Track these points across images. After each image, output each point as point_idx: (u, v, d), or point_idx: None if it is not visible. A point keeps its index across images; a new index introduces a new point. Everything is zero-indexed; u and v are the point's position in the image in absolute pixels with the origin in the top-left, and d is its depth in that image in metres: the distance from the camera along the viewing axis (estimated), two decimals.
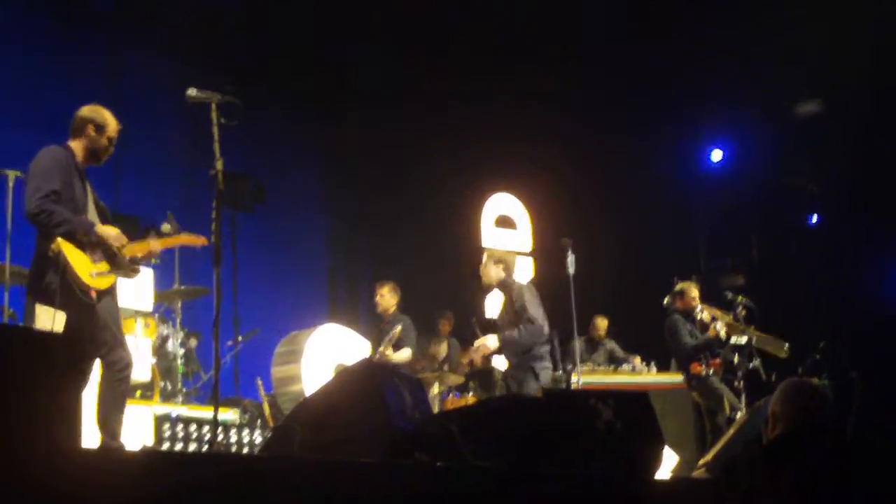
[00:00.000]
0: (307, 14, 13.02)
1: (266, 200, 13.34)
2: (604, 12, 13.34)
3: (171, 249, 10.10)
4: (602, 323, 12.94)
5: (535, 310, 8.84)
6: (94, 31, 12.21)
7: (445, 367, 11.97)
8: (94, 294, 6.09)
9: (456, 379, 11.06)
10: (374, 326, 11.09)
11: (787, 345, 10.30)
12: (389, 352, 10.26)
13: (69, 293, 6.03)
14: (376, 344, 10.41)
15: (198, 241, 7.18)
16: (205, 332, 10.45)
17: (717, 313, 10.20)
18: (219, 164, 6.02)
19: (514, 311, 8.89)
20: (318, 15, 13.07)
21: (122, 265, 6.31)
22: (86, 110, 6.60)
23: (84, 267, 6.09)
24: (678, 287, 10.40)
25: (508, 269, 9.21)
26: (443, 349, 12.32)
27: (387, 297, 10.92)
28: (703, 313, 10.18)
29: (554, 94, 14.17)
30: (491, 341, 8.97)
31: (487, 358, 9.38)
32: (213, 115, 6.16)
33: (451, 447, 5.21)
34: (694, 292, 10.32)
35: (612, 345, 12.87)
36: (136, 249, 6.60)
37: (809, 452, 4.32)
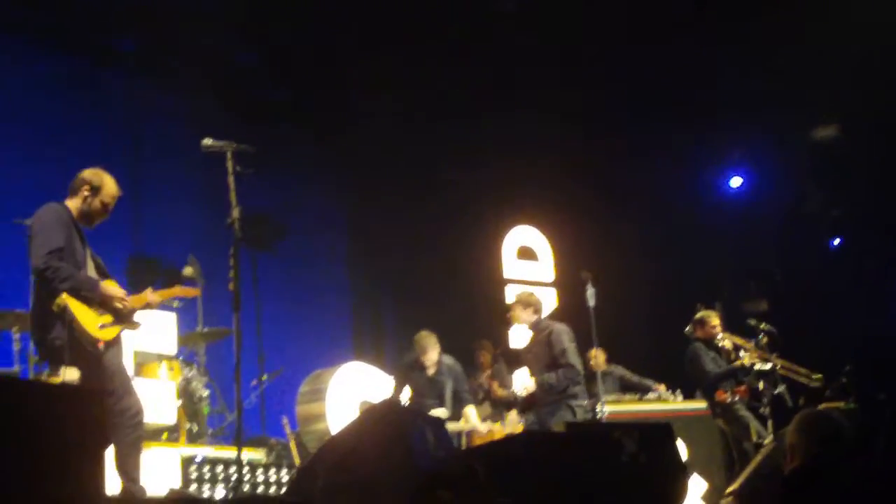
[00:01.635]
0: (323, 48, 13.10)
1: (286, 238, 13.41)
2: (625, 41, 13.35)
3: None
4: (595, 353, 12.87)
5: (574, 354, 9.18)
6: (114, 73, 12.27)
7: (488, 394, 11.94)
8: (101, 346, 6.14)
9: (491, 411, 11.05)
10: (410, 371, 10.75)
11: (818, 375, 10.29)
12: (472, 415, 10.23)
13: (77, 347, 6.10)
14: (418, 393, 10.30)
15: (190, 293, 7.55)
16: (228, 374, 10.48)
17: (739, 341, 10.19)
18: (235, 213, 6.10)
19: (552, 354, 9.07)
20: (334, 50, 13.15)
21: (125, 318, 6.35)
22: (87, 172, 6.69)
23: (90, 320, 6.16)
24: (698, 315, 10.41)
25: (539, 311, 9.43)
26: (484, 380, 12.29)
27: (436, 353, 10.41)
28: (725, 341, 10.18)
29: (575, 125, 14.19)
30: (530, 383, 9.36)
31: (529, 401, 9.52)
32: (229, 165, 6.20)
33: (474, 485, 5.21)
34: (714, 321, 10.32)
35: (620, 370, 12.78)
36: (135, 302, 6.61)
37: (827, 484, 4.31)
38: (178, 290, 7.59)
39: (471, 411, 10.22)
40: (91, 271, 6.51)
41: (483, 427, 10.14)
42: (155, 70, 12.39)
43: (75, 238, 6.44)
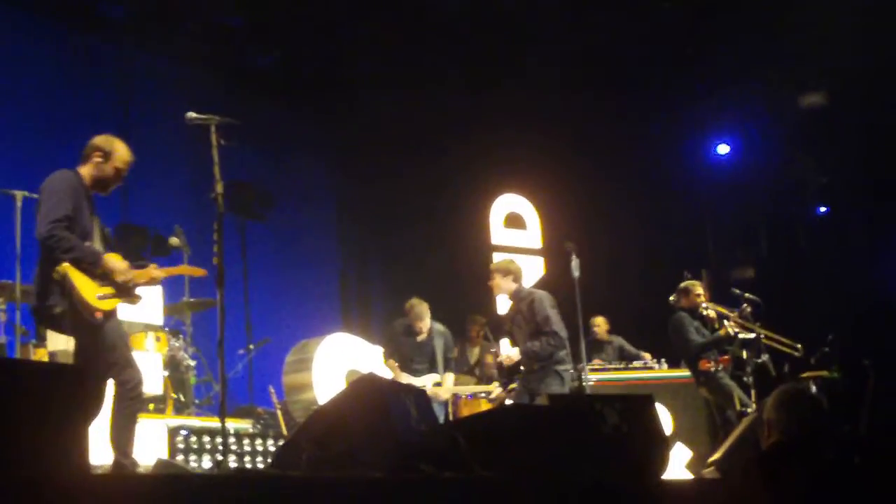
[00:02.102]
0: (311, 18, 13.06)
1: (274, 206, 13.42)
2: (611, 6, 13.32)
3: (179, 261, 10.23)
4: (601, 321, 12.95)
5: (557, 321, 9.17)
6: (103, 40, 12.24)
7: (477, 371, 12.03)
8: (99, 315, 6.11)
9: (470, 389, 11.12)
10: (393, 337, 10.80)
11: (799, 345, 10.36)
12: (450, 381, 10.33)
13: (76, 315, 6.09)
14: (408, 358, 10.38)
15: (197, 272, 7.30)
16: (215, 345, 10.51)
17: (723, 310, 10.24)
18: (219, 187, 6.07)
19: (535, 322, 9.10)
20: (322, 19, 13.11)
21: (126, 291, 6.34)
22: (98, 138, 6.57)
23: (90, 289, 6.12)
24: (683, 285, 10.44)
25: (518, 279, 9.42)
26: (475, 353, 12.36)
27: (428, 319, 10.53)
28: (709, 311, 10.23)
29: (560, 92, 14.17)
30: (514, 353, 9.30)
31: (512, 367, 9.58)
32: (213, 138, 6.19)
33: (457, 458, 5.25)
34: (699, 290, 10.36)
35: (619, 341, 12.89)
36: (138, 276, 6.58)
37: (804, 461, 4.35)
38: (184, 269, 7.64)
39: (449, 378, 10.31)
40: (97, 242, 6.49)
41: (449, 393, 10.26)
42: (145, 37, 12.38)
43: (84, 207, 6.38)
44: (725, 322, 9.97)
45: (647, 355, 12.19)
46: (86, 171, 6.53)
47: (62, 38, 11.81)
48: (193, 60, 12.86)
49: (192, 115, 6.32)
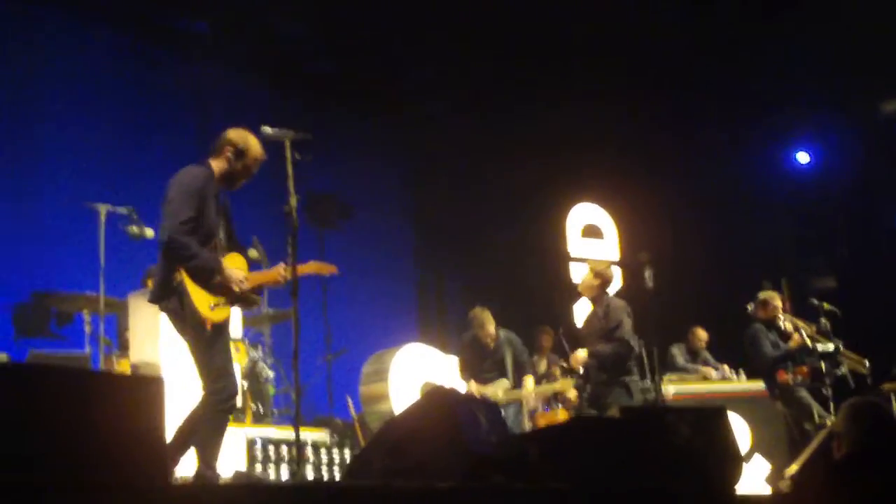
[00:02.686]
0: (388, 31, 13.19)
1: (352, 217, 13.54)
2: (689, 16, 13.27)
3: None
4: (703, 334, 12.90)
5: (629, 329, 9.17)
6: (182, 55, 12.46)
7: (544, 382, 12.03)
8: (209, 327, 6.10)
9: (552, 389, 11.11)
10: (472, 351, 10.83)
11: (866, 361, 10.23)
12: (530, 384, 10.31)
13: (184, 323, 6.16)
14: (478, 368, 10.42)
15: (327, 269, 6.99)
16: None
17: (800, 323, 10.15)
18: (293, 201, 6.14)
19: (608, 328, 9.11)
20: (399, 31, 13.23)
21: (240, 299, 6.31)
22: (231, 132, 6.45)
23: (203, 300, 6.10)
24: (761, 296, 10.35)
25: (606, 286, 9.44)
26: (542, 365, 12.37)
27: (491, 327, 10.47)
28: (786, 323, 10.14)
29: (638, 102, 14.15)
30: (582, 353, 9.30)
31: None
32: (287, 152, 6.26)
33: (528, 469, 5.29)
34: (777, 301, 10.27)
35: (706, 354, 12.84)
36: (262, 278, 6.57)
37: (873, 473, 4.33)
38: (315, 266, 6.96)
39: (529, 381, 10.29)
40: (222, 240, 6.42)
41: (534, 397, 10.25)
42: (224, 51, 12.55)
43: (210, 204, 6.27)
44: (800, 333, 9.89)
45: (726, 367, 12.11)
46: (216, 164, 6.42)
47: (142, 53, 12.03)
48: (271, 73, 13.06)
49: (267, 129, 6.38)
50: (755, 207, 15.14)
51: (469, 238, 14.62)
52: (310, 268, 6.76)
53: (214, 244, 6.33)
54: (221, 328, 6.25)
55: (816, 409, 9.62)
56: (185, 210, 6.10)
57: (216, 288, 6.16)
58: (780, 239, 15.54)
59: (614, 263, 15.15)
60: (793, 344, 9.91)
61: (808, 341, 9.81)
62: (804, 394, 9.77)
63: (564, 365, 10.10)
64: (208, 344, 6.15)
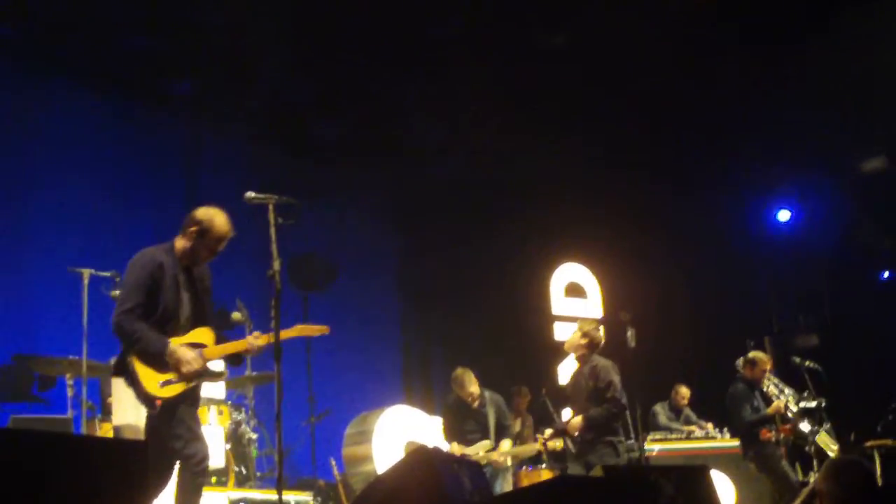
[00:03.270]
0: (375, 94, 13.29)
1: (337, 279, 13.56)
2: (670, 75, 13.39)
3: (242, 335, 10.36)
4: (685, 391, 12.96)
5: (619, 388, 9.13)
6: (169, 116, 12.53)
7: (518, 443, 12.01)
8: (159, 403, 6.19)
9: (528, 450, 11.10)
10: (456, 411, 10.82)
11: (837, 448, 10.25)
12: (507, 446, 10.31)
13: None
14: (461, 429, 10.40)
15: (316, 330, 6.87)
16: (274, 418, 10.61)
17: (786, 389, 10.19)
18: (276, 265, 6.17)
19: (597, 388, 9.09)
20: (385, 94, 13.34)
21: (193, 377, 6.32)
22: (199, 211, 6.52)
23: (151, 379, 6.21)
24: (752, 355, 10.35)
25: (594, 346, 9.39)
26: (517, 425, 12.36)
27: (476, 386, 10.49)
28: (770, 388, 10.17)
29: (620, 163, 14.28)
30: (576, 422, 9.22)
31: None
32: (271, 216, 6.31)
33: None
34: (766, 365, 10.26)
35: (687, 411, 12.89)
36: (230, 349, 6.58)
37: None
38: (303, 329, 6.80)
39: (505, 444, 10.31)
40: (185, 318, 6.47)
41: (505, 457, 10.24)
42: (210, 112, 12.63)
43: (167, 284, 6.35)
44: (781, 399, 9.94)
45: (709, 425, 12.13)
46: (180, 242, 6.50)
47: (128, 114, 12.07)
48: (257, 134, 13.14)
49: (251, 194, 6.43)
50: (737, 265, 15.21)
51: (454, 299, 14.65)
52: (294, 332, 6.69)
53: (174, 323, 6.42)
54: (176, 402, 6.30)
55: (791, 476, 9.63)
56: (133, 297, 6.25)
57: (167, 366, 6.25)
58: (762, 297, 15.62)
59: (597, 322, 15.21)
60: (770, 410, 9.94)
61: (790, 409, 9.84)
62: (778, 460, 9.78)
63: (543, 437, 10.06)
64: (162, 419, 6.24)
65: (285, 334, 6.49)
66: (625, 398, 9.17)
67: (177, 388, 6.25)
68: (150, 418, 6.30)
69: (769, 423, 9.91)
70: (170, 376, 6.26)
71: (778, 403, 9.94)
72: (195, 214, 6.51)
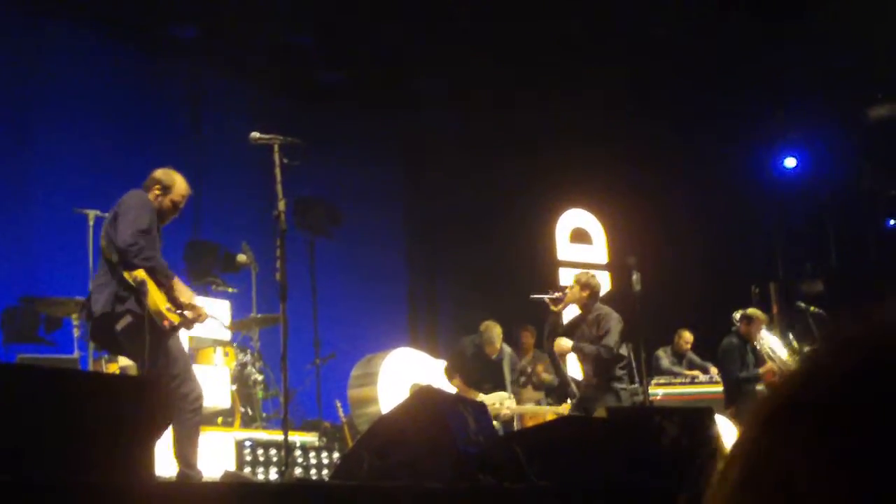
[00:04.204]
0: (380, 37, 13.24)
1: (342, 224, 13.56)
2: (676, 18, 13.32)
3: (247, 278, 10.41)
4: (688, 336, 12.96)
5: (616, 338, 9.15)
6: (174, 61, 12.48)
7: (530, 380, 12.03)
8: (167, 324, 6.26)
9: (534, 394, 11.16)
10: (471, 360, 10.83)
11: None
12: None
13: (144, 324, 6.23)
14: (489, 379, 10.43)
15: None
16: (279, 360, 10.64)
17: (777, 348, 10.24)
18: (281, 205, 6.20)
19: (597, 335, 9.11)
20: (391, 38, 13.29)
21: (184, 310, 6.44)
22: (158, 171, 6.77)
23: (161, 299, 6.29)
24: (749, 312, 10.40)
25: (595, 295, 9.42)
26: (526, 363, 12.38)
27: (501, 341, 10.61)
28: (762, 347, 10.21)
29: (627, 107, 14.22)
30: (565, 342, 9.29)
31: (560, 365, 9.59)
32: (276, 157, 6.32)
33: (516, 469, 5.33)
34: (762, 323, 10.30)
35: (691, 355, 12.90)
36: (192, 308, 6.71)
37: None
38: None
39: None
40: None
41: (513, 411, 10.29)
42: (214, 57, 12.59)
43: (155, 228, 6.59)
44: (773, 362, 10.00)
45: (714, 369, 12.16)
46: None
47: (133, 58, 12.06)
48: (262, 79, 13.10)
49: (256, 134, 6.45)
50: (743, 211, 15.20)
51: (459, 244, 14.64)
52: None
53: None
54: (175, 333, 6.42)
55: None
56: (143, 221, 6.39)
57: (168, 294, 6.37)
58: (768, 243, 15.61)
59: (602, 267, 15.22)
60: (762, 370, 9.99)
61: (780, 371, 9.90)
62: None
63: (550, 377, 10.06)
64: (167, 347, 6.31)
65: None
66: (623, 349, 9.20)
67: (177, 318, 6.31)
68: (148, 350, 6.22)
69: (757, 382, 9.99)
70: (171, 305, 6.35)
71: (770, 365, 9.99)
72: (154, 175, 6.75)
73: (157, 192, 6.68)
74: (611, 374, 9.12)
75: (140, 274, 6.22)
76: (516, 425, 10.44)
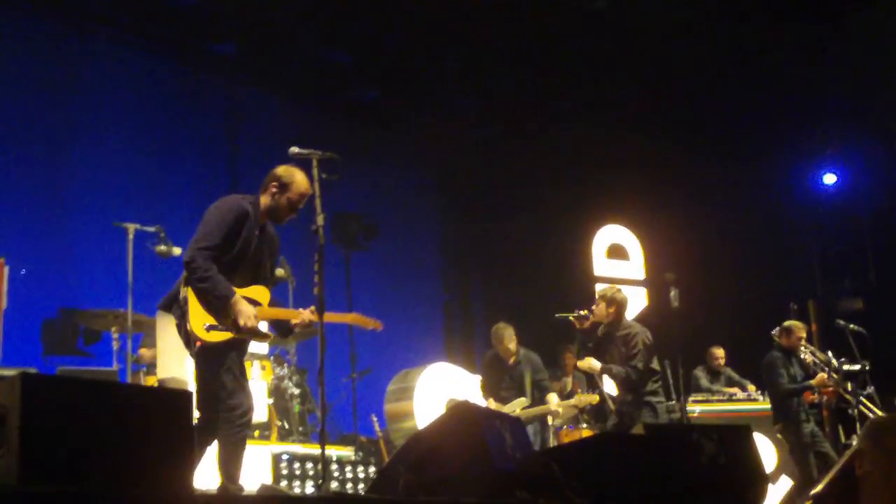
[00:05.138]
0: (420, 56, 13.29)
1: (378, 238, 13.60)
2: (714, 38, 13.28)
3: (285, 292, 10.43)
4: (719, 352, 12.90)
5: (645, 358, 9.11)
6: (213, 76, 12.58)
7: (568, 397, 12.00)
8: (199, 345, 6.16)
9: (569, 411, 11.11)
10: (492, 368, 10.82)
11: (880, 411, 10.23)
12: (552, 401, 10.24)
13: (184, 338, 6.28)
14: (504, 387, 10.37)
15: (371, 323, 6.94)
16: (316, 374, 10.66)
17: (821, 358, 10.15)
18: (320, 220, 6.17)
19: (628, 354, 9.07)
20: (431, 56, 13.34)
21: (243, 331, 6.24)
22: (280, 168, 6.54)
23: (199, 319, 6.18)
24: (787, 324, 10.32)
25: (621, 310, 9.38)
26: (567, 383, 12.34)
27: (514, 343, 10.47)
28: (807, 356, 10.14)
29: (665, 123, 14.19)
30: (594, 363, 9.23)
31: (597, 382, 9.56)
32: (315, 171, 6.33)
33: (552, 486, 5.30)
34: (801, 333, 10.23)
35: (729, 371, 12.83)
36: (283, 314, 6.59)
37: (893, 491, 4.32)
38: (355, 318, 6.95)
39: (553, 397, 10.25)
40: (251, 271, 6.48)
41: (560, 412, 10.20)
42: (253, 73, 12.70)
43: (246, 236, 6.37)
44: (823, 370, 9.92)
45: (752, 387, 12.09)
46: (263, 199, 6.54)
47: (173, 73, 12.15)
48: (300, 95, 13.18)
49: (295, 149, 6.44)
50: (782, 228, 15.11)
51: (495, 259, 14.66)
52: (348, 319, 6.80)
53: (241, 274, 6.40)
54: (220, 350, 6.26)
55: (813, 471, 9.59)
56: (212, 237, 6.22)
57: (221, 313, 6.21)
58: (807, 260, 15.50)
59: (639, 283, 15.18)
60: (815, 382, 9.92)
61: (833, 380, 9.82)
62: (808, 431, 9.77)
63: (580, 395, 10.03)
64: (211, 366, 6.24)
65: (338, 318, 6.66)
66: (656, 363, 9.15)
67: (221, 336, 6.21)
68: (199, 366, 6.28)
69: (802, 394, 9.91)
70: (218, 324, 6.23)
71: (822, 376, 9.91)
72: (275, 171, 6.54)
73: (273, 189, 6.51)
74: (644, 390, 9.07)
75: (186, 290, 6.17)
76: (551, 436, 10.39)
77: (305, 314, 6.50)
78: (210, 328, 6.17)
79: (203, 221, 6.32)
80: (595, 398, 10.02)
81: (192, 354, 6.32)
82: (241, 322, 6.18)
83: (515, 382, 10.36)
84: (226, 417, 6.21)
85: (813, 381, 9.94)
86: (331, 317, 6.47)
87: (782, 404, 9.97)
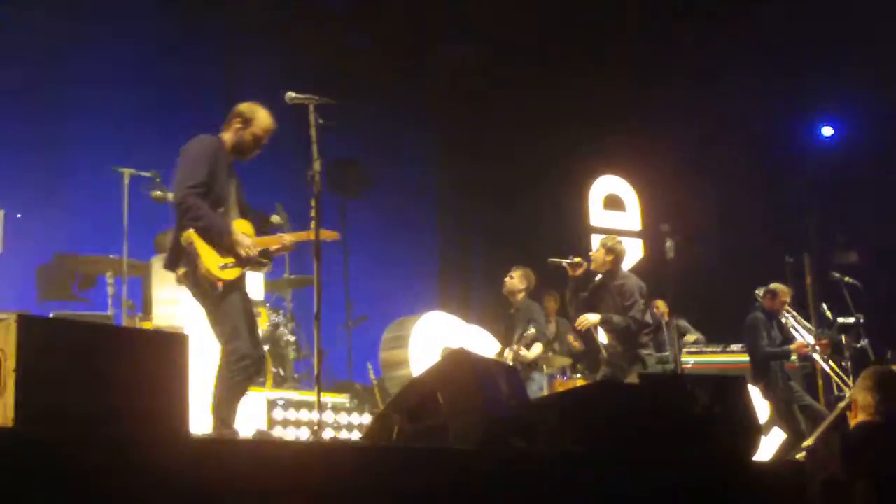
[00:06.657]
0: (417, 4, 13.19)
1: (371, 186, 13.55)
2: None
3: None
4: (661, 304, 12.82)
5: (640, 308, 9.15)
6: (207, 18, 12.46)
7: (556, 346, 11.98)
8: (220, 285, 6.14)
9: (563, 360, 11.12)
10: (491, 312, 10.73)
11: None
12: (523, 351, 10.08)
13: (197, 284, 6.21)
14: (505, 334, 10.31)
15: (328, 235, 6.79)
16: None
17: (803, 324, 10.18)
18: (316, 166, 6.15)
19: (623, 305, 9.07)
20: (428, 4, 13.24)
21: (248, 262, 6.30)
22: (242, 105, 6.57)
23: (213, 259, 6.15)
24: (772, 286, 10.28)
25: (619, 260, 9.36)
26: (552, 328, 12.33)
27: (516, 281, 10.27)
28: (788, 321, 10.15)
29: (660, 75, 14.13)
30: (592, 316, 9.22)
31: (591, 332, 9.55)
32: (311, 117, 6.28)
33: (547, 434, 5.33)
34: (786, 297, 10.20)
35: (680, 322, 12.70)
36: (267, 242, 6.58)
37: (889, 442, 4.34)
38: (309, 233, 6.81)
39: (536, 347, 10.05)
40: (232, 208, 6.50)
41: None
42: (250, 15, 12.55)
43: (222, 172, 6.39)
44: (798, 335, 9.95)
45: (692, 337, 12.04)
46: (226, 136, 6.54)
47: (169, 16, 12.04)
48: (296, 40, 13.06)
49: (291, 94, 6.40)
50: (778, 181, 15.09)
51: (491, 209, 14.60)
52: (311, 235, 6.61)
53: (226, 210, 6.41)
54: (234, 288, 6.27)
55: (801, 424, 9.61)
56: (197, 175, 6.23)
57: (225, 249, 6.20)
58: (802, 213, 15.49)
59: (635, 234, 15.17)
60: (793, 347, 9.94)
61: (824, 333, 9.86)
62: (792, 408, 9.78)
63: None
64: (219, 303, 6.21)
65: (299, 236, 6.67)
66: (643, 317, 9.17)
67: (234, 273, 6.21)
68: (223, 307, 6.22)
69: (786, 358, 9.93)
70: (228, 260, 6.21)
71: (801, 343, 9.93)
72: (238, 108, 6.56)
73: (237, 125, 6.53)
74: (636, 342, 9.08)
75: (189, 234, 6.11)
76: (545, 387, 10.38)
77: (287, 238, 6.61)
78: (223, 267, 6.16)
79: (182, 161, 6.35)
80: (569, 360, 10.00)
81: (205, 302, 6.27)
82: (244, 253, 6.19)
83: (511, 331, 10.36)
84: (223, 363, 6.21)
85: (792, 346, 9.96)
86: (297, 236, 6.65)
87: (761, 365, 9.99)
